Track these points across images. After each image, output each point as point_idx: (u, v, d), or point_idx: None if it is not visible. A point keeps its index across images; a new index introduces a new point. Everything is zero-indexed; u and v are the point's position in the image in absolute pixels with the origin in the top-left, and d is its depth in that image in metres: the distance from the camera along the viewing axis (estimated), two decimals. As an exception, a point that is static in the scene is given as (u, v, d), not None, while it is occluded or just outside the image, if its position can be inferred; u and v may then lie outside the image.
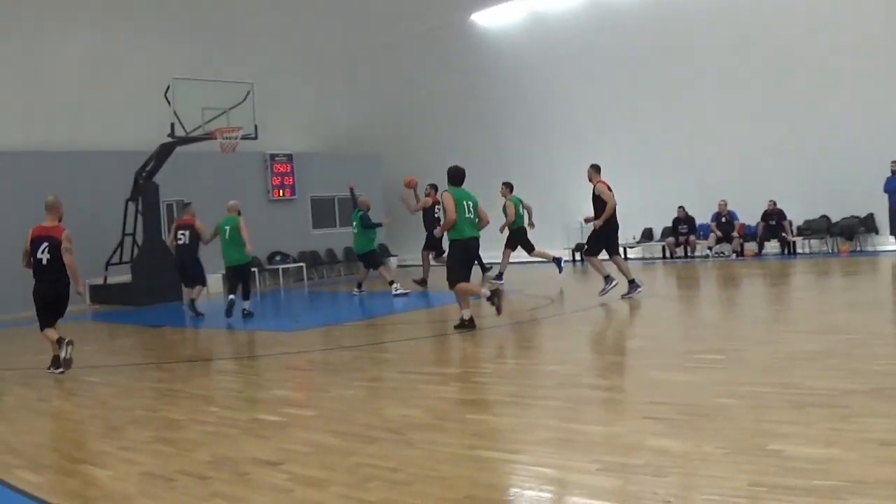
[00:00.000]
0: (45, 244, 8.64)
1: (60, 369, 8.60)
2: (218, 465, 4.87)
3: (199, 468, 4.82)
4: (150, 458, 5.16)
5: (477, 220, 10.38)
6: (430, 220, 16.94)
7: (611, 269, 12.68)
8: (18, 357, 10.87)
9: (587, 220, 13.37)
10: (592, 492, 4.00)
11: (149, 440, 5.66)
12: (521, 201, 15.91)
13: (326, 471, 4.60)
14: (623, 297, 12.24)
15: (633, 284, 12.47)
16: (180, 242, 14.40)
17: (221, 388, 7.93)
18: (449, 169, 10.49)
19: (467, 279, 10.31)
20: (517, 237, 15.75)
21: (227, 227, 13.35)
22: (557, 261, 16.05)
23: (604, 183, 12.66)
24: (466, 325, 10.12)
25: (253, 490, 4.36)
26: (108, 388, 8.03)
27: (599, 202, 12.61)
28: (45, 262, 8.61)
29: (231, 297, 13.52)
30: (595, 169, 12.99)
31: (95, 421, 6.41)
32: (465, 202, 10.24)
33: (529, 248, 15.80)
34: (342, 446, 5.11)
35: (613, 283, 12.49)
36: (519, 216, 15.73)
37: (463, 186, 10.35)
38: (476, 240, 10.37)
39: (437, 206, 16.09)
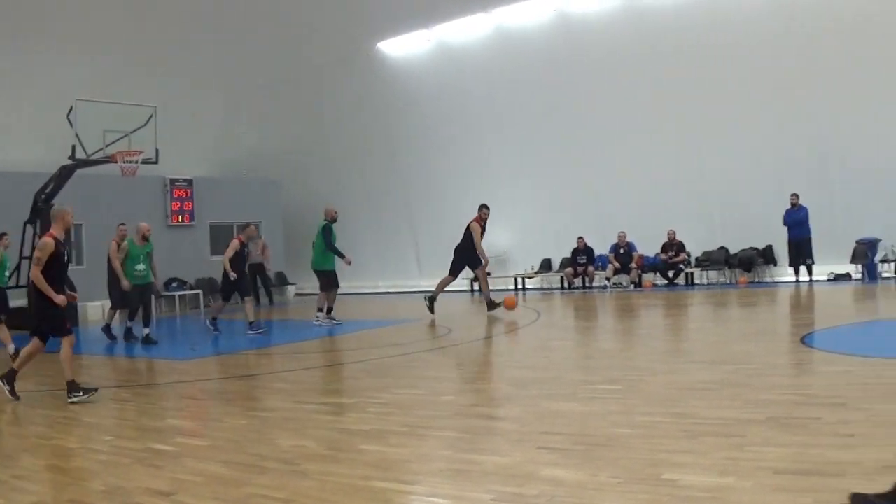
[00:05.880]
0: None
1: None
2: (111, 494, 4.89)
3: (91, 498, 4.84)
4: (43, 486, 5.19)
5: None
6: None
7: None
8: None
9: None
10: (486, 522, 4.13)
11: (42, 469, 5.68)
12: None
13: (218, 501, 4.64)
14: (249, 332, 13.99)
15: (253, 325, 14.14)
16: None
17: (115, 416, 7.89)
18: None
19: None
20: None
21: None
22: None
23: (241, 239, 14.43)
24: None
25: (145, 519, 4.42)
26: (0, 415, 7.96)
27: (239, 258, 14.29)
28: None
29: (129, 323, 14.08)
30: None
31: (-13, 449, 6.37)
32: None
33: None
34: (234, 476, 5.13)
35: (261, 329, 14.37)
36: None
37: None
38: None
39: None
